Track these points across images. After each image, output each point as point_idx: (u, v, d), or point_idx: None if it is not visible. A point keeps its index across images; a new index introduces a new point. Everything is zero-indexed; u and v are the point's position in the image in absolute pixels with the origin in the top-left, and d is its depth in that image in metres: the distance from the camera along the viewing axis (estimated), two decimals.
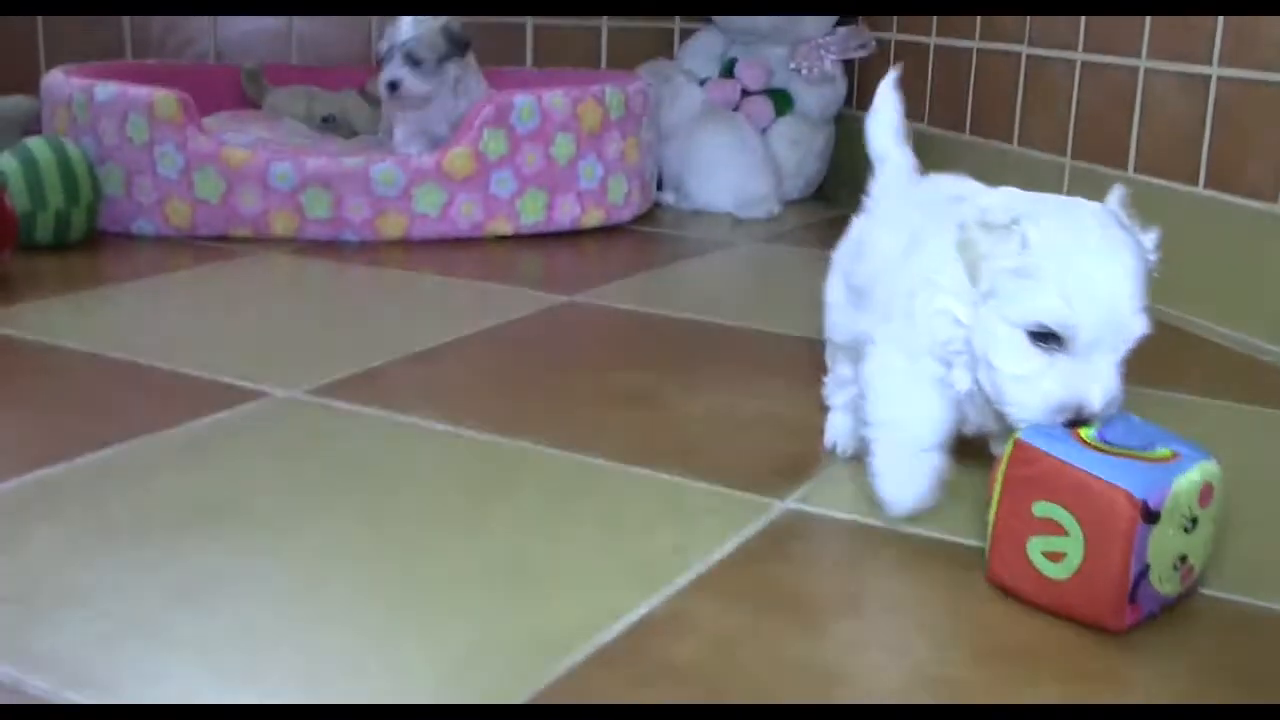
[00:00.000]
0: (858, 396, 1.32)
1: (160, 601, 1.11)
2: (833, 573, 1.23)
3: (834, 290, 1.49)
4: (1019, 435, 1.15)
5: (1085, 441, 1.13)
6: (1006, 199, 1.21)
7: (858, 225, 1.48)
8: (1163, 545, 1.10)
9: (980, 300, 1.18)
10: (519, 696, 0.98)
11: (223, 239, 2.52)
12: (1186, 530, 1.11)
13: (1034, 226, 1.15)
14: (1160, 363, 1.72)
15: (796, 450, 1.51)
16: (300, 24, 3.23)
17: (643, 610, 1.12)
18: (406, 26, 2.63)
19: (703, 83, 3.18)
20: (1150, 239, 1.21)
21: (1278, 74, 1.96)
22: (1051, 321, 1.13)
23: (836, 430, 1.51)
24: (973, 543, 1.26)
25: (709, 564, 1.21)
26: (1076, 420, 1.14)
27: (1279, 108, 1.97)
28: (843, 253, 1.48)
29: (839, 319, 1.47)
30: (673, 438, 1.54)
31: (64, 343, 1.84)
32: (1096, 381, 1.14)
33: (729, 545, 1.25)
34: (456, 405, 1.62)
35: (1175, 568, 1.12)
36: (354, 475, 1.41)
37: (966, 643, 1.10)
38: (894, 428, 1.27)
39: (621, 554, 1.23)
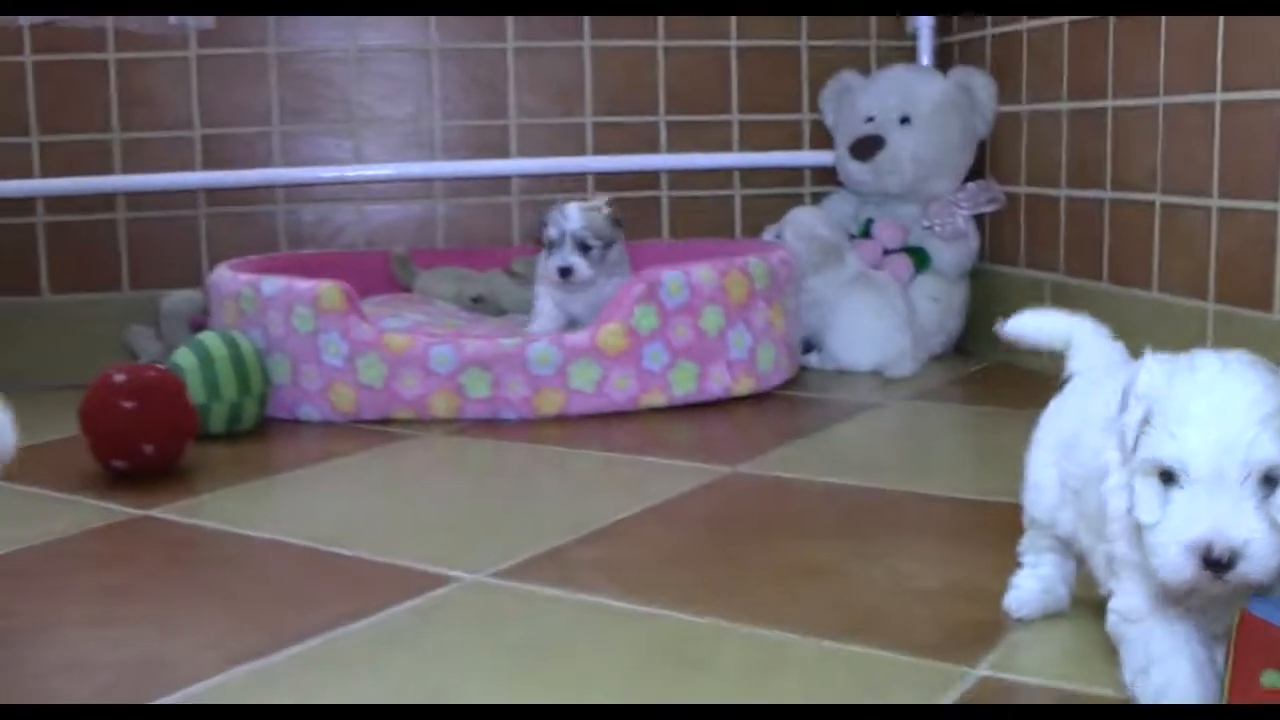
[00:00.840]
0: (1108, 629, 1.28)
1: None
2: None
3: (1038, 470, 1.47)
4: (1245, 606, 1.13)
5: None
6: (1149, 367, 1.17)
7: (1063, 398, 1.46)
8: None
9: (1125, 465, 1.17)
10: None
11: (385, 421, 2.60)
12: None
13: (1164, 389, 1.13)
14: None
15: (981, 618, 1.52)
16: (444, 208, 3.34)
17: None
18: (575, 215, 2.78)
19: None
20: None
21: None
22: (1164, 454, 1.10)
23: (1021, 592, 1.51)
24: None
25: None
26: (1218, 562, 1.08)
27: None
28: (1048, 430, 1.46)
29: (1043, 500, 1.46)
30: (856, 609, 1.56)
31: (245, 531, 1.91)
32: (1225, 513, 1.08)
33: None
34: (640, 583, 1.66)
35: None
36: (551, 657, 1.44)
37: None
38: (1152, 680, 1.21)
39: None
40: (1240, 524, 1.08)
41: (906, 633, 1.48)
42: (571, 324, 2.83)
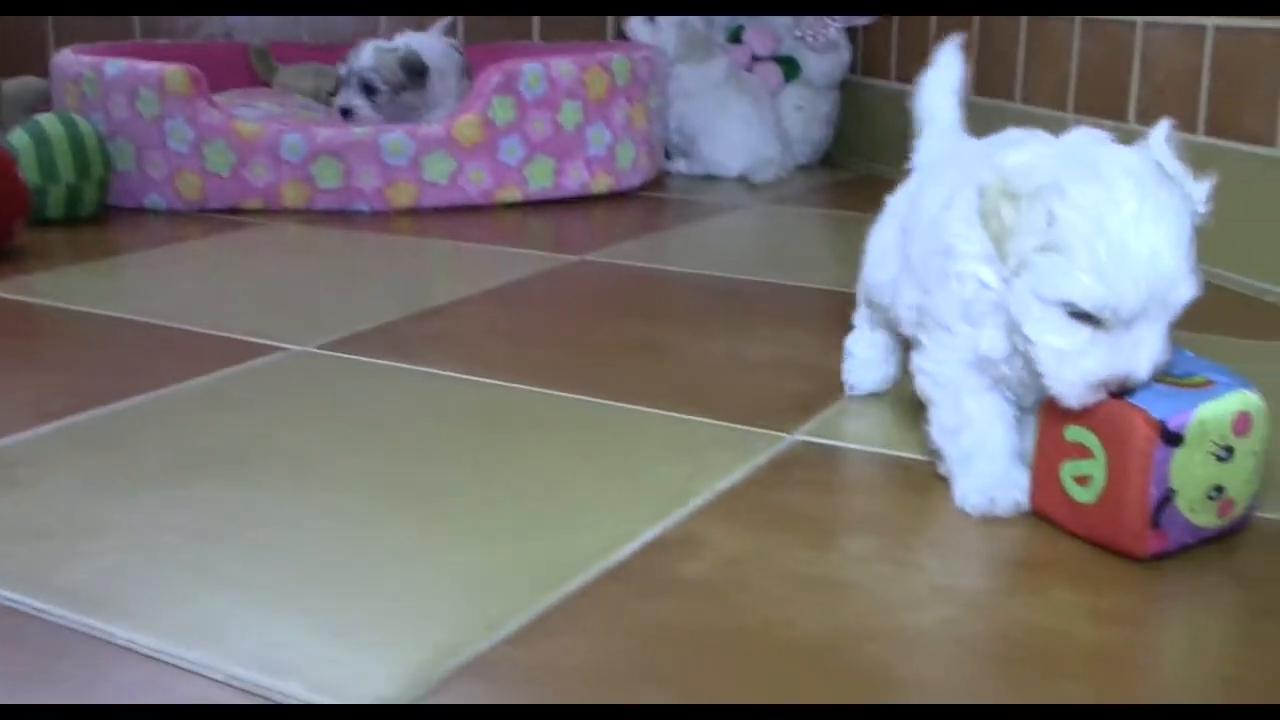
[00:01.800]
0: (916, 389, 1.27)
1: (183, 536, 1.13)
2: (841, 496, 1.25)
3: (880, 238, 1.43)
4: None
5: (1167, 383, 1.11)
6: (1034, 158, 1.11)
7: (910, 183, 1.41)
8: (1190, 471, 1.08)
9: (1009, 273, 1.10)
10: (537, 609, 1.00)
11: (234, 211, 2.54)
12: (1220, 459, 1.09)
13: (1060, 199, 1.06)
14: None
15: (806, 390, 1.52)
16: None
17: (653, 533, 1.14)
18: (367, 55, 2.70)
19: None
20: (1201, 189, 1.12)
21: (1270, 22, 1.98)
22: (1087, 303, 1.05)
23: (856, 360, 1.50)
24: None
25: (718, 491, 1.23)
26: (1123, 391, 1.08)
27: (1273, 56, 1.99)
28: (898, 200, 1.42)
29: (877, 273, 1.42)
30: (684, 381, 1.56)
31: (79, 307, 1.87)
32: (1141, 353, 1.07)
33: (738, 474, 1.27)
34: (470, 356, 1.64)
35: (1210, 498, 1.10)
36: (371, 419, 1.43)
37: (977, 556, 1.13)
38: (962, 441, 1.22)
39: (636, 485, 1.25)
40: (1151, 360, 1.07)
41: (730, 402, 1.48)
42: None
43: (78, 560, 1.08)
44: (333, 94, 2.78)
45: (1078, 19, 2.42)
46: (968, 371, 1.20)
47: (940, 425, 1.23)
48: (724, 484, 1.25)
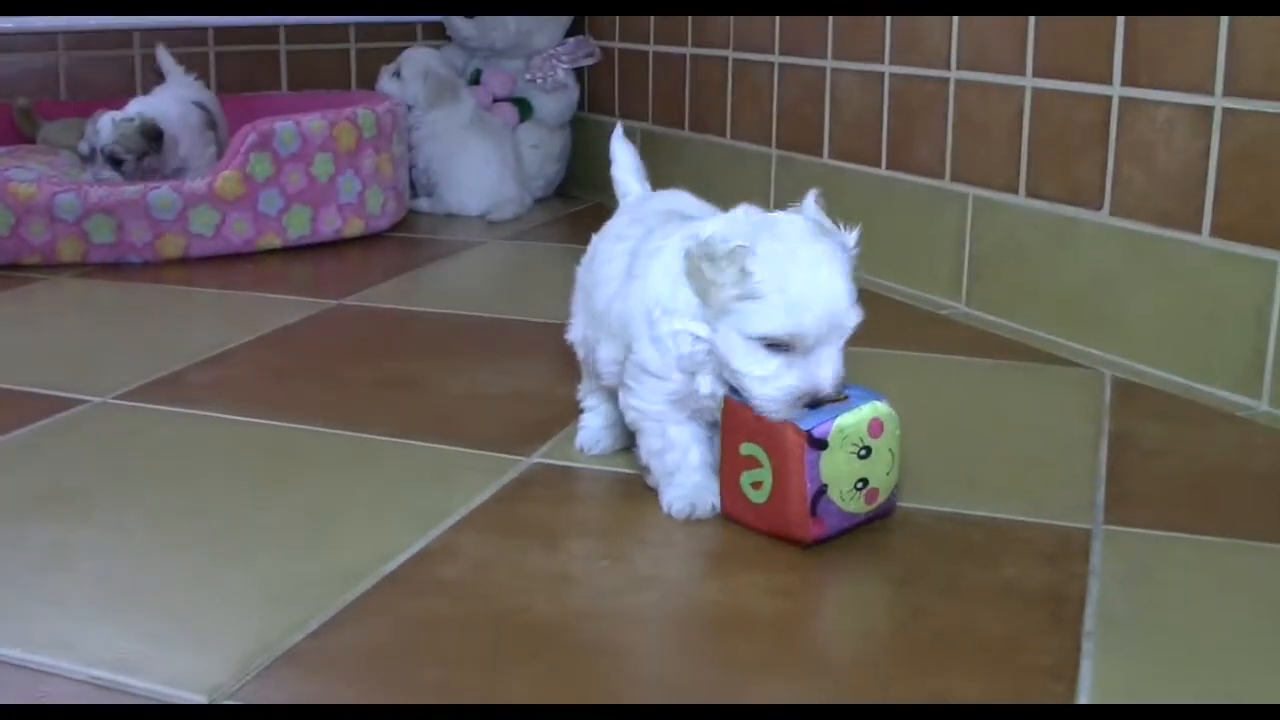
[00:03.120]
0: (623, 419, 1.56)
1: (27, 569, 1.37)
2: (570, 508, 1.54)
3: (574, 300, 1.70)
4: (728, 395, 1.42)
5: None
6: (724, 226, 1.38)
7: (593, 243, 1.68)
8: (837, 469, 1.37)
9: (714, 318, 1.38)
10: (331, 610, 1.27)
11: (14, 267, 2.73)
12: (861, 456, 1.38)
13: (750, 256, 1.33)
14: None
15: (542, 418, 1.81)
16: (65, 59, 3.42)
17: (419, 545, 1.42)
18: (106, 129, 2.89)
19: None
20: (850, 237, 1.41)
21: (936, 70, 2.33)
22: (782, 334, 1.33)
23: (590, 431, 1.71)
24: None
25: (470, 508, 1.52)
26: (814, 403, 1.36)
27: (939, 99, 2.33)
28: (583, 269, 1.68)
29: (572, 333, 1.69)
30: (436, 414, 1.84)
31: None
32: (824, 369, 1.36)
33: (486, 493, 1.56)
34: (246, 399, 1.90)
35: (858, 488, 1.39)
36: (167, 461, 1.68)
37: (677, 550, 1.43)
38: (666, 460, 1.51)
39: (399, 506, 1.53)
40: (833, 374, 1.37)
41: (475, 430, 1.77)
42: None
43: None
44: (86, 158, 2.95)
45: (776, 63, 2.75)
46: (672, 407, 1.49)
47: (648, 449, 1.53)
48: (476, 501, 1.53)
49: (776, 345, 1.35)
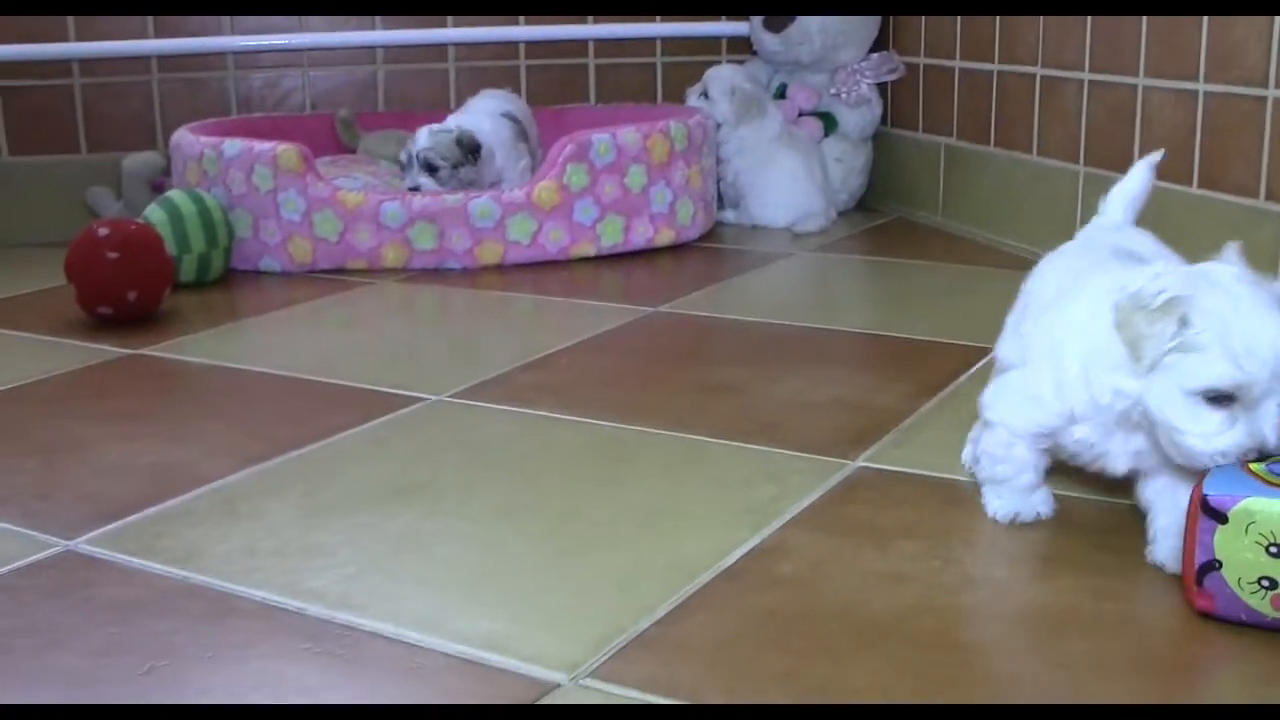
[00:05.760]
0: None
1: (388, 553, 1.46)
2: (897, 510, 1.56)
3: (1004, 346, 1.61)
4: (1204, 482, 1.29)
5: (1254, 474, 1.27)
6: (1152, 280, 1.31)
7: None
8: (1238, 553, 1.24)
9: (1143, 373, 1.30)
10: (673, 601, 1.32)
11: (340, 271, 2.87)
12: (1271, 554, 1.23)
13: (1191, 305, 1.27)
14: None
15: (864, 424, 1.84)
16: (384, 74, 3.58)
17: (754, 542, 1.46)
18: (423, 138, 3.02)
19: None
20: (1277, 286, 1.32)
21: (1254, 88, 2.29)
22: (1228, 385, 1.25)
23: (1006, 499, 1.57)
24: None
25: (800, 508, 1.55)
26: (1261, 457, 1.27)
27: (1256, 117, 2.30)
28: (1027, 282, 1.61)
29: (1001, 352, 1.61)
30: (760, 418, 1.88)
31: (229, 364, 2.20)
32: (1267, 422, 1.27)
33: (815, 494, 1.59)
34: (574, 400, 1.97)
35: (1262, 586, 1.24)
36: (504, 455, 1.75)
37: (1004, 553, 1.45)
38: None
39: (731, 505, 1.57)
40: (1276, 427, 1.28)
41: (800, 434, 1.80)
42: None
43: (315, 571, 1.40)
44: (405, 165, 3.08)
45: (1085, 80, 2.73)
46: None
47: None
48: (805, 502, 1.57)
49: (1219, 399, 1.28)
